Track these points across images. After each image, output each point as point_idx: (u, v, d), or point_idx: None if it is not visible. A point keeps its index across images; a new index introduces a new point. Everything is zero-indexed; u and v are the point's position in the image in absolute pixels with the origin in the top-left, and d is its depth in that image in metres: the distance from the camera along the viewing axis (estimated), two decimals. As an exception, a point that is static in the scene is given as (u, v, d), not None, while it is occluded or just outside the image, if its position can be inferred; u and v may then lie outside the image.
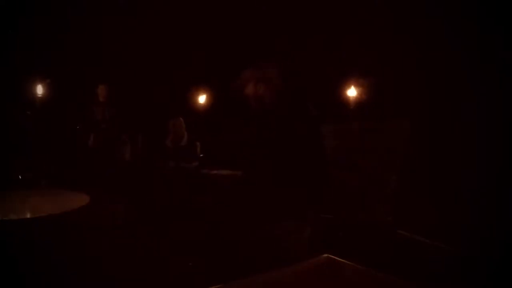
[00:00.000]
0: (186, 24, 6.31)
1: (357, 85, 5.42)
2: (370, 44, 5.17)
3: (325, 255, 1.85)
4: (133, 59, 6.27)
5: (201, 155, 6.27)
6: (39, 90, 5.35)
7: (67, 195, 4.18)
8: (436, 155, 4.71)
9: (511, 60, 4.04)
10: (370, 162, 5.11)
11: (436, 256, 3.25)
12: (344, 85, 5.49)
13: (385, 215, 4.33)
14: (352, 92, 5.40)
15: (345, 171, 5.24)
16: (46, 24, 5.68)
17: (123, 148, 6.04)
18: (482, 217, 3.80)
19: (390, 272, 1.69)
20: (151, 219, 4.48)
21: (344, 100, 5.49)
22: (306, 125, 5.89)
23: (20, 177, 4.76)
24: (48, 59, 5.82)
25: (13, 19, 5.56)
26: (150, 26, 6.23)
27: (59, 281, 2.88)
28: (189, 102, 6.73)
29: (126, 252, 3.51)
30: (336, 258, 1.83)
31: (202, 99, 6.66)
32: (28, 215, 3.50)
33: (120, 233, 3.94)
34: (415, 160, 4.80)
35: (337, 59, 5.52)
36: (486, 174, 4.18)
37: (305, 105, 5.97)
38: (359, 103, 5.41)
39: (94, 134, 5.83)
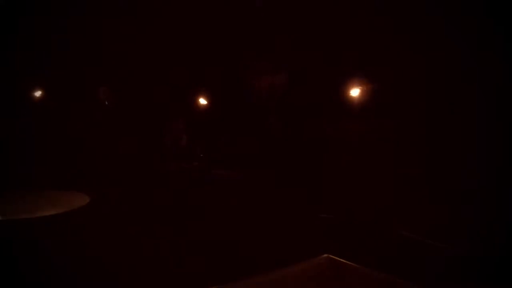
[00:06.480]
0: (185, 24, 6.31)
1: (358, 85, 5.43)
2: (370, 44, 5.17)
3: (325, 255, 1.86)
4: (133, 60, 6.27)
5: (201, 155, 6.27)
6: (38, 90, 5.35)
7: (67, 195, 4.18)
8: (436, 155, 4.71)
9: (511, 60, 4.04)
10: (369, 161, 5.11)
11: (436, 256, 3.25)
12: (345, 84, 5.49)
13: (385, 215, 4.33)
14: (353, 91, 5.40)
15: (344, 171, 5.24)
16: (46, 24, 5.68)
17: (124, 148, 6.04)
18: (482, 217, 3.80)
19: (390, 272, 1.69)
20: (150, 219, 4.48)
21: (345, 99, 5.49)
22: (306, 125, 5.89)
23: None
24: (48, 59, 5.82)
25: (13, 19, 5.55)
26: (150, 26, 6.23)
27: (59, 280, 2.88)
28: (189, 102, 6.73)
29: (126, 252, 3.51)
30: (336, 258, 1.83)
31: (202, 99, 6.67)
32: (28, 215, 3.50)
33: (120, 233, 3.94)
34: (414, 160, 4.80)
35: (338, 59, 5.52)
36: (486, 174, 4.18)
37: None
38: (359, 102, 5.41)
39: (94, 134, 5.83)
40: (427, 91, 4.79)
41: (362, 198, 4.73)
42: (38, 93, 5.55)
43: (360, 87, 5.45)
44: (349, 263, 1.78)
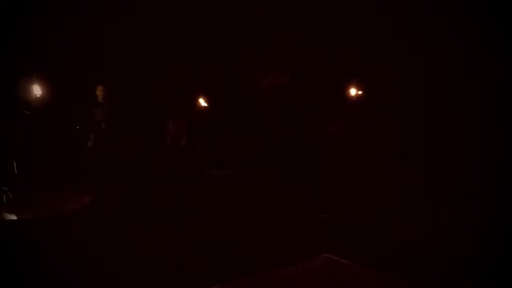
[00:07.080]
0: (185, 24, 6.31)
1: (358, 85, 5.43)
2: (370, 44, 5.18)
3: (325, 255, 1.85)
4: (133, 59, 6.27)
5: (201, 155, 6.27)
6: (38, 90, 5.35)
7: (67, 195, 4.18)
8: (435, 155, 4.71)
9: (511, 60, 4.04)
10: (369, 162, 5.11)
11: (436, 256, 3.25)
12: (345, 84, 5.49)
13: (385, 215, 4.33)
14: (352, 91, 5.41)
15: (344, 171, 5.24)
16: (46, 24, 5.68)
17: (124, 148, 6.04)
18: (482, 217, 3.80)
19: (390, 272, 1.69)
20: (150, 219, 4.48)
21: (345, 99, 5.49)
22: (306, 125, 5.89)
23: None
24: (48, 59, 5.82)
25: (13, 19, 5.55)
26: (150, 26, 6.23)
27: (59, 280, 2.88)
28: (189, 102, 6.73)
29: (126, 252, 3.51)
30: (336, 258, 1.83)
31: (202, 99, 6.66)
32: (28, 215, 3.50)
33: (120, 233, 3.94)
34: (415, 160, 4.80)
35: (338, 59, 5.52)
36: (486, 174, 4.18)
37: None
38: (359, 102, 5.41)
39: (94, 134, 5.82)
40: (427, 91, 4.80)
41: (362, 198, 4.73)
42: (38, 93, 5.54)
43: (360, 87, 5.45)
44: (349, 263, 1.78)
